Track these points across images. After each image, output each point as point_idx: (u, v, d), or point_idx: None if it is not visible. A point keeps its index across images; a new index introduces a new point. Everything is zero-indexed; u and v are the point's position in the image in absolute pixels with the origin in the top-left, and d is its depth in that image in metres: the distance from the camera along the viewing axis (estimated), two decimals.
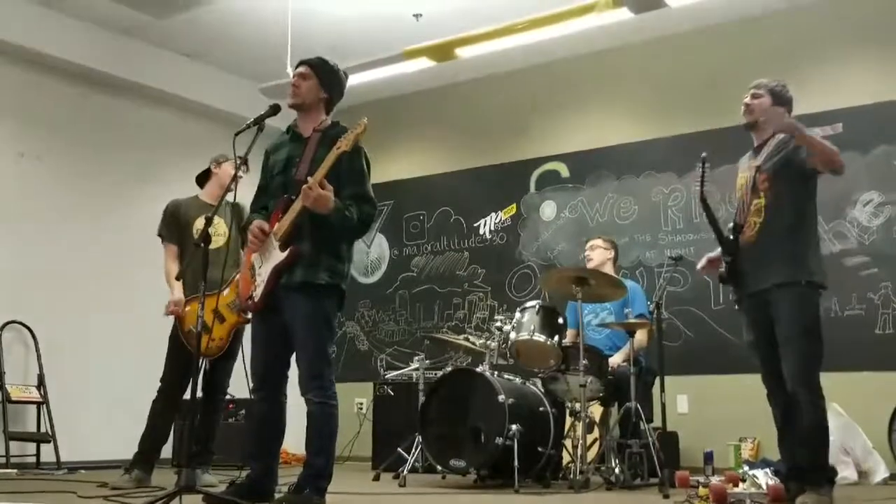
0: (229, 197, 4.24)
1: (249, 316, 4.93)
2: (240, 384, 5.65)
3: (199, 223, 5.10)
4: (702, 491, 4.27)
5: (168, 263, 5.27)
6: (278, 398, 3.91)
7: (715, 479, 5.08)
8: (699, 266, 4.47)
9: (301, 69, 3.99)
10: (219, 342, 5.03)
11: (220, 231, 5.11)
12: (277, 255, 3.78)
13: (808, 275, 4.02)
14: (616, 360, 5.54)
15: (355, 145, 3.75)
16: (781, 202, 4.09)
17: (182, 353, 5.06)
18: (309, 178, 3.71)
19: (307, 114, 4.00)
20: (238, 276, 4.92)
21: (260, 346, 3.90)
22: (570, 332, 5.69)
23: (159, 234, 5.34)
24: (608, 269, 5.96)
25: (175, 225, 5.30)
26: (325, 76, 4.00)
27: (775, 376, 4.07)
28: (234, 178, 4.10)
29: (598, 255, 6.02)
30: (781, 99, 4.27)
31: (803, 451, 3.97)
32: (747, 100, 4.30)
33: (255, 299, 3.86)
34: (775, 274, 4.03)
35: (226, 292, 4.98)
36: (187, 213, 5.28)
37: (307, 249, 3.77)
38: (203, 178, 5.46)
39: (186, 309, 5.11)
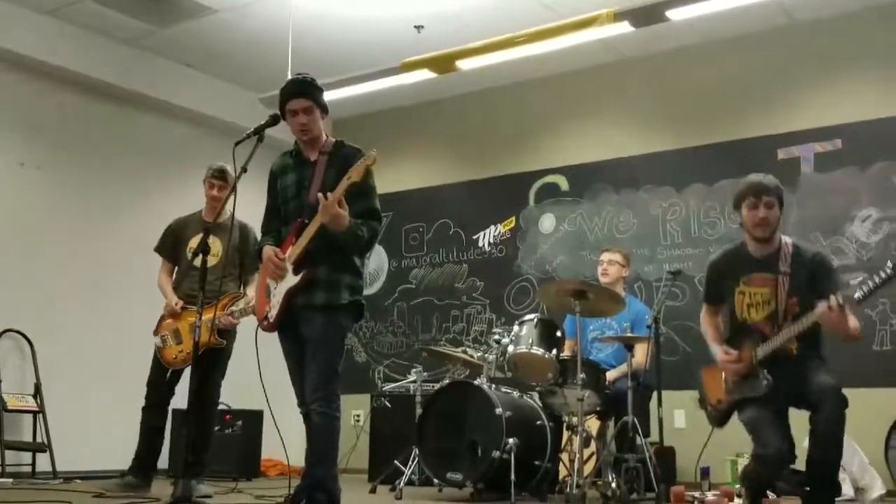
0: (230, 212, 4.27)
1: (221, 339, 5.08)
2: (238, 395, 5.68)
3: (193, 243, 5.21)
4: None
5: (161, 276, 5.43)
6: None
7: (711, 495, 5.09)
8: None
9: (301, 104, 3.92)
10: (185, 356, 5.11)
11: (214, 251, 5.09)
12: (291, 279, 3.85)
13: None
14: (611, 376, 5.52)
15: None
16: None
17: (162, 364, 5.23)
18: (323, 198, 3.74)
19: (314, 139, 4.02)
20: (226, 298, 5.13)
21: (292, 362, 3.96)
22: (568, 343, 5.67)
23: (156, 250, 5.49)
24: (620, 285, 5.96)
25: (172, 244, 5.43)
26: (319, 99, 4.00)
27: None
28: (234, 190, 4.11)
29: (614, 271, 5.99)
30: (783, 200, 4.05)
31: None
32: (762, 213, 3.95)
33: (270, 320, 3.93)
34: None
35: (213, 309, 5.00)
36: (185, 232, 5.38)
37: (325, 273, 3.82)
38: None
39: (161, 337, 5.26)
